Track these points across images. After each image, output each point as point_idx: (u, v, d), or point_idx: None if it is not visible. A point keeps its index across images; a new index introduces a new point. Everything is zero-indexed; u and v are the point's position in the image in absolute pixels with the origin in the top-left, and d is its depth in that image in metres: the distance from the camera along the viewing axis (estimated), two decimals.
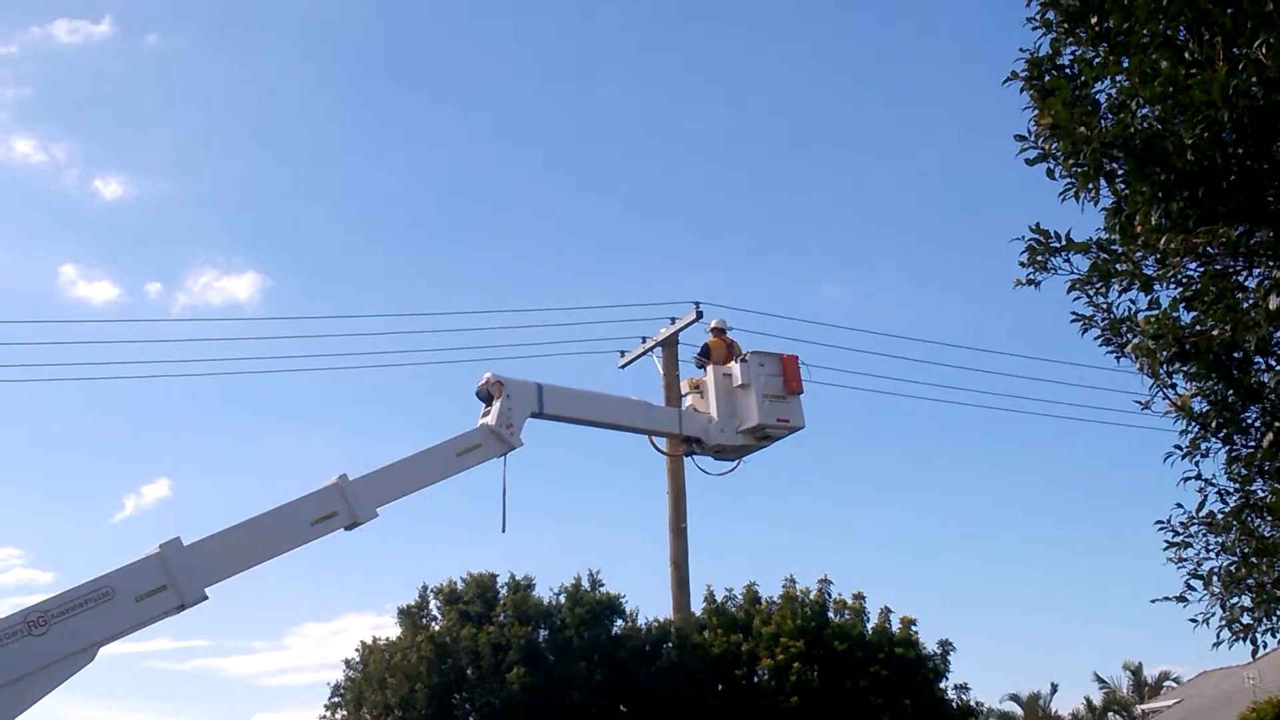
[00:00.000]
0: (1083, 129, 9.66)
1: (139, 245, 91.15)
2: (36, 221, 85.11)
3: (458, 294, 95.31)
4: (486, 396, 17.27)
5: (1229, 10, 8.87)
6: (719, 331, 21.34)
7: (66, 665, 13.13)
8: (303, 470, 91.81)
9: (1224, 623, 11.41)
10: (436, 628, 25.14)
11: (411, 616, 25.80)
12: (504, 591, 25.56)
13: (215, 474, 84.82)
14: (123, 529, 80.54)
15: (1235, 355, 10.49)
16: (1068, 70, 10.44)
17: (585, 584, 25.66)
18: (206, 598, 14.15)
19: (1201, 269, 10.17)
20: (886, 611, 26.85)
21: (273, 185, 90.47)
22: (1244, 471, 11.20)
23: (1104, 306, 10.88)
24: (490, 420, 16.88)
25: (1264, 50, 8.48)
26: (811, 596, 26.73)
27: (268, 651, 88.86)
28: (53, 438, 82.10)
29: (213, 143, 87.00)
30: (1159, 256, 10.15)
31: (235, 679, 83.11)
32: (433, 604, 26.04)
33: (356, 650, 26.02)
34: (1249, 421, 10.91)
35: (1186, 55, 9.11)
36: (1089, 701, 64.85)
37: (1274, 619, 11.35)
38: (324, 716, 25.90)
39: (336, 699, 25.89)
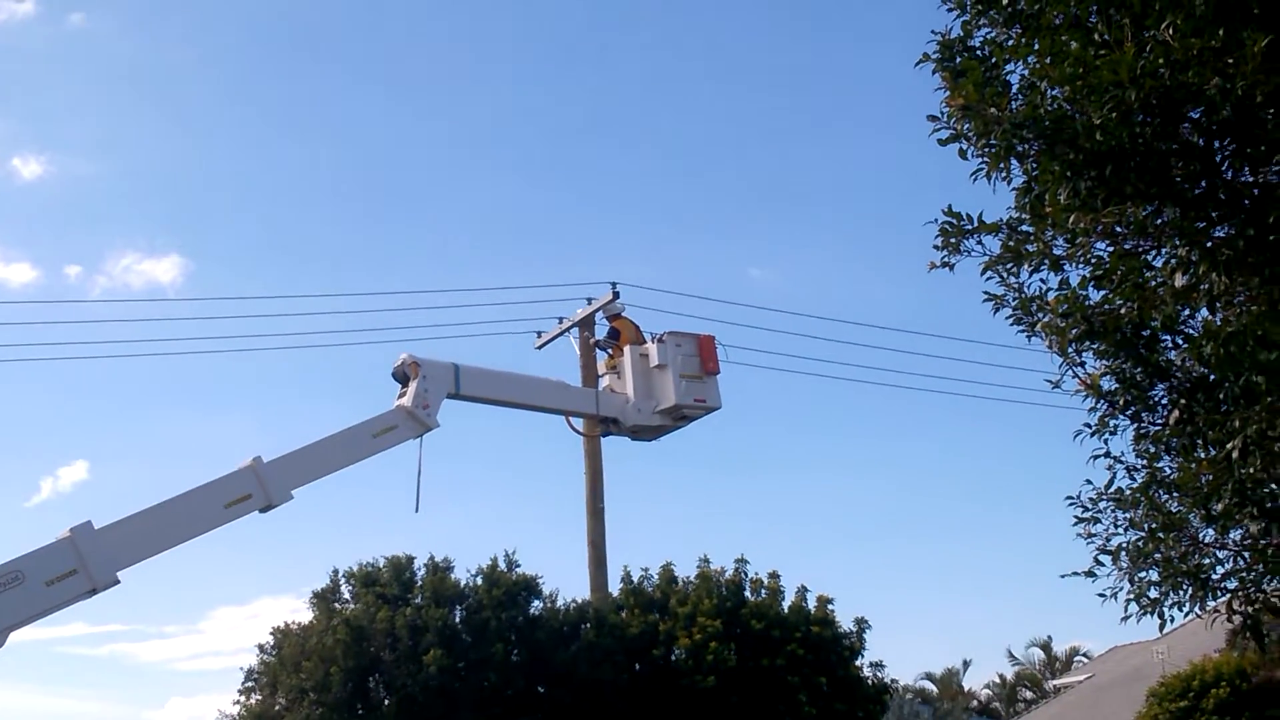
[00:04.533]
0: (993, 110, 9.78)
1: (58, 226, 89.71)
2: None
3: (377, 276, 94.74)
4: (403, 377, 17.17)
5: None
6: (618, 315, 21.39)
7: None
8: (224, 453, 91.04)
9: (1131, 597, 11.62)
10: (350, 611, 25.03)
11: (325, 600, 25.67)
12: (422, 573, 25.49)
13: (134, 457, 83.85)
14: (38, 513, 79.37)
15: (1143, 334, 10.70)
16: (979, 52, 10.57)
17: (502, 565, 25.66)
18: (119, 582, 13.97)
19: (1110, 248, 10.35)
20: (803, 591, 27.12)
21: (195, 168, 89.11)
22: (1151, 448, 11.44)
23: (1015, 286, 11.06)
24: (406, 401, 16.80)
25: (1171, 31, 8.62)
26: (727, 576, 26.91)
27: (182, 636, 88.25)
28: None
29: (135, 124, 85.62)
30: (1069, 236, 10.33)
31: (149, 664, 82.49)
32: (344, 587, 25.93)
33: (271, 634, 25.89)
34: (1156, 399, 11.13)
35: (1096, 37, 9.24)
36: (1002, 678, 65.81)
37: (1180, 593, 11.56)
38: (238, 701, 25.77)
39: (251, 683, 25.74)
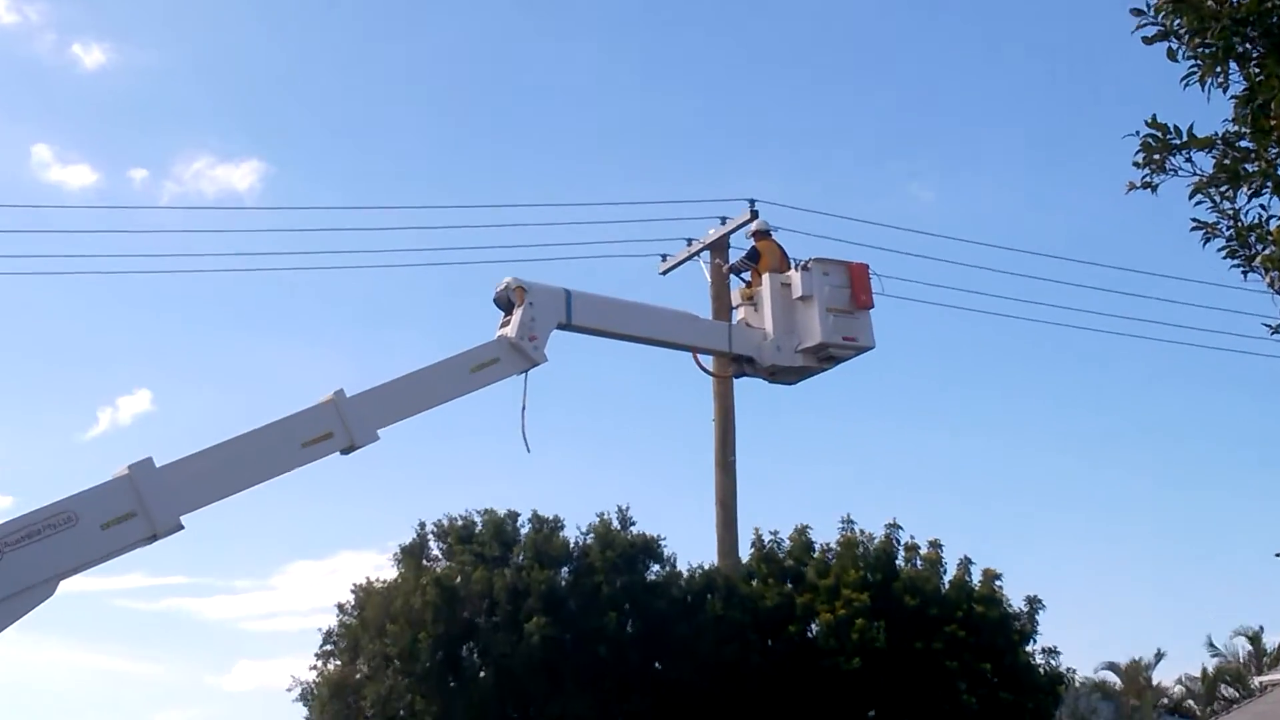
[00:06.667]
0: (1211, 3, 9.57)
1: (123, 124, 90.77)
2: (6, 92, 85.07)
3: (484, 191, 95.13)
4: (506, 304, 17.22)
5: None
6: (765, 234, 21.23)
7: (22, 600, 13.26)
8: (303, 385, 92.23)
9: None
10: (439, 569, 25.25)
11: (413, 556, 25.95)
12: (526, 530, 25.61)
13: (203, 386, 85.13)
14: (94, 448, 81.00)
15: None
16: None
17: (615, 523, 25.75)
18: (182, 527, 14.22)
19: None
20: (966, 563, 26.99)
21: (279, 61, 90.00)
22: None
23: (1230, 213, 10.83)
24: (510, 331, 16.84)
25: None
26: (876, 543, 26.81)
27: (253, 592, 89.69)
28: (17, 341, 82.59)
29: (210, 8, 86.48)
30: None
31: (215, 622, 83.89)
32: (433, 543, 26.16)
33: (352, 593, 26.27)
34: None
35: None
36: (1204, 672, 65.01)
37: None
38: (315, 667, 26.24)
39: (329, 647, 26.17)
